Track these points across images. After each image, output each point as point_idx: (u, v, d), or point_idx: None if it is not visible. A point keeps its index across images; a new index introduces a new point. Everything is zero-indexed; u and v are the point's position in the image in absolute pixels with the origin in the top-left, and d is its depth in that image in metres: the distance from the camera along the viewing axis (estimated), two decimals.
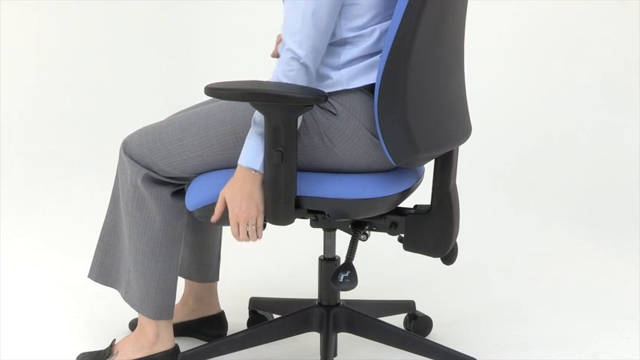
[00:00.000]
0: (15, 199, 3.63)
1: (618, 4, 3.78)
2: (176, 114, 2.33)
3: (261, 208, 2.05)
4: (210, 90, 2.02)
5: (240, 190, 2.04)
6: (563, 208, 3.53)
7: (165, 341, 2.32)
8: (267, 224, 2.11)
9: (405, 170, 2.17)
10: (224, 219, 2.11)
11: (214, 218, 2.09)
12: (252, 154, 2.03)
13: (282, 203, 2.03)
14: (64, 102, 4.05)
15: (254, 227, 2.07)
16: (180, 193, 2.26)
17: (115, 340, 2.38)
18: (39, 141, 3.96)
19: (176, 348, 2.33)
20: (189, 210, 2.18)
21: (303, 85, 1.99)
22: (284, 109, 1.97)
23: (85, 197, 3.61)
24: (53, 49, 4.08)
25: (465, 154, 2.97)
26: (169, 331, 2.33)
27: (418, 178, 2.23)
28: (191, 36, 4.12)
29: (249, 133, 2.05)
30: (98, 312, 2.67)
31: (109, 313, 2.66)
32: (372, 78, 2.05)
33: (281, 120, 1.98)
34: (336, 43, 2.06)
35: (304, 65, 1.99)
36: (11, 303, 2.74)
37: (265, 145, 2.01)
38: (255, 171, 2.03)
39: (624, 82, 3.80)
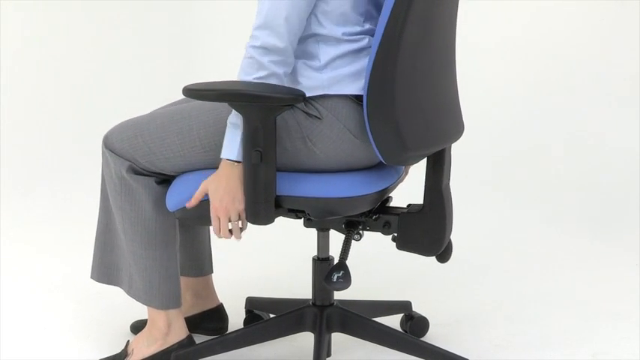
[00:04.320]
0: (15, 199, 3.65)
1: (618, 4, 3.77)
2: (159, 109, 2.33)
3: (242, 206, 2.05)
4: (189, 91, 2.02)
5: (223, 183, 2.04)
6: (563, 208, 3.52)
7: (178, 330, 2.32)
8: (249, 224, 2.10)
9: (386, 168, 2.17)
10: (205, 218, 2.11)
11: (189, 204, 2.09)
12: (228, 144, 2.04)
13: (261, 203, 2.03)
14: (64, 102, 4.07)
15: (236, 223, 2.07)
16: (166, 181, 2.25)
17: (128, 341, 2.38)
18: (39, 142, 3.98)
19: (190, 337, 2.34)
20: (170, 210, 2.18)
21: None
22: (262, 109, 1.97)
23: (84, 197, 3.62)
24: (53, 50, 4.10)
25: (465, 153, 2.97)
26: (180, 320, 2.33)
27: (399, 175, 2.23)
28: (191, 37, 4.14)
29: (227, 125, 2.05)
30: (98, 312, 2.68)
31: (109, 313, 2.66)
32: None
33: (259, 120, 1.98)
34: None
35: None
36: (11, 303, 2.76)
37: (244, 146, 2.01)
38: (234, 161, 2.03)
39: (623, 82, 3.79)
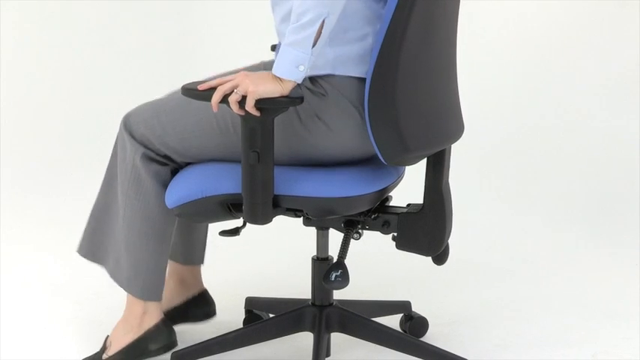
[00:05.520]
0: (14, 198, 3.65)
1: (618, 4, 3.77)
2: (175, 92, 2.30)
3: (257, 91, 1.94)
4: (186, 90, 2.02)
5: (256, 75, 1.96)
6: (563, 208, 3.52)
7: (153, 314, 2.32)
8: (248, 224, 2.11)
9: (385, 167, 2.17)
10: (203, 216, 2.11)
11: (202, 86, 2.00)
12: (277, 60, 1.95)
13: (259, 203, 2.04)
14: (64, 103, 4.07)
15: (235, 97, 1.95)
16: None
17: (108, 336, 2.38)
18: (39, 142, 3.97)
19: (164, 320, 2.33)
20: (169, 207, 2.18)
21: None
22: (260, 110, 1.96)
23: (84, 197, 3.61)
24: (53, 51, 4.10)
25: (465, 152, 2.96)
26: (158, 310, 2.33)
27: (398, 175, 2.23)
28: (193, 34, 4.13)
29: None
30: (97, 312, 2.68)
31: (109, 313, 2.65)
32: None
33: (257, 121, 1.98)
34: None
35: None
36: (11, 303, 2.76)
37: (242, 147, 2.01)
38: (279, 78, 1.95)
39: (624, 82, 3.79)
